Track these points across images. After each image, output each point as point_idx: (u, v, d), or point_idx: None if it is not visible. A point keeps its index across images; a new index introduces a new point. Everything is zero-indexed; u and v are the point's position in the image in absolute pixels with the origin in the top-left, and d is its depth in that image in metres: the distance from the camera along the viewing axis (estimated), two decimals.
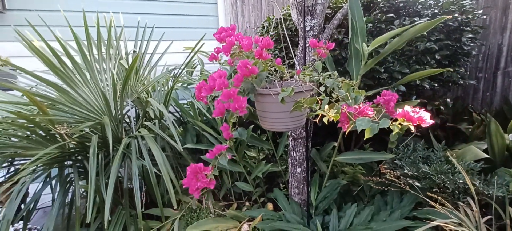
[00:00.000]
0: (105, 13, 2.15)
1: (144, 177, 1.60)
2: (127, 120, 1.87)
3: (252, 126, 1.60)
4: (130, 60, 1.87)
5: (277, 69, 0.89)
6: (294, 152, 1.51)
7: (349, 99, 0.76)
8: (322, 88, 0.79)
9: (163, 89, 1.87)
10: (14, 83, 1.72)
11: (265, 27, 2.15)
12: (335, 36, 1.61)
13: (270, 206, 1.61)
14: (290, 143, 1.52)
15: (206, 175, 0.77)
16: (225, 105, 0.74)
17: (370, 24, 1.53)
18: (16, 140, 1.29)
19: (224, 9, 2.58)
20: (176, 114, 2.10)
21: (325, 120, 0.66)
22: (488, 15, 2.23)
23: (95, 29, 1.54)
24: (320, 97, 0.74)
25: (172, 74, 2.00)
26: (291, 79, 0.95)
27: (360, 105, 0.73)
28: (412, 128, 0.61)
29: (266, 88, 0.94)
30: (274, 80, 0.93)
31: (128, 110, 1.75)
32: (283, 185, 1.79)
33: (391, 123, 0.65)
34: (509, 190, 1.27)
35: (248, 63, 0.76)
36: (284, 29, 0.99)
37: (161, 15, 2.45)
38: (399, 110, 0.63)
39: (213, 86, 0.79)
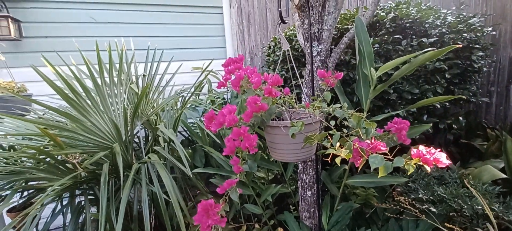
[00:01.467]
0: (117, 38, 2.23)
1: (153, 199, 1.60)
2: (137, 140, 1.90)
3: (260, 151, 1.59)
4: (140, 83, 1.91)
5: (286, 101, 0.89)
6: (304, 175, 1.49)
7: (360, 133, 0.75)
8: (332, 122, 0.78)
9: (172, 109, 1.89)
10: (29, 109, 1.78)
11: (272, 47, 2.18)
12: (342, 57, 1.61)
13: None
14: (300, 165, 1.50)
15: (217, 212, 0.76)
16: (235, 143, 0.74)
17: (377, 45, 1.53)
18: (29, 165, 1.32)
19: (231, 29, 2.63)
20: (184, 133, 2.11)
21: (337, 160, 0.65)
22: (497, 29, 2.20)
23: (107, 54, 1.59)
24: (331, 132, 0.74)
25: (180, 95, 2.03)
26: (301, 109, 0.95)
27: (372, 140, 0.72)
28: (428, 169, 0.59)
29: (276, 119, 0.94)
30: (284, 111, 0.93)
31: (138, 131, 1.77)
32: (293, 207, 1.76)
33: (406, 162, 0.63)
34: None
35: (258, 100, 0.76)
36: (292, 60, 1.00)
37: (170, 37, 2.52)
38: (414, 150, 0.62)
39: (223, 122, 0.80)
